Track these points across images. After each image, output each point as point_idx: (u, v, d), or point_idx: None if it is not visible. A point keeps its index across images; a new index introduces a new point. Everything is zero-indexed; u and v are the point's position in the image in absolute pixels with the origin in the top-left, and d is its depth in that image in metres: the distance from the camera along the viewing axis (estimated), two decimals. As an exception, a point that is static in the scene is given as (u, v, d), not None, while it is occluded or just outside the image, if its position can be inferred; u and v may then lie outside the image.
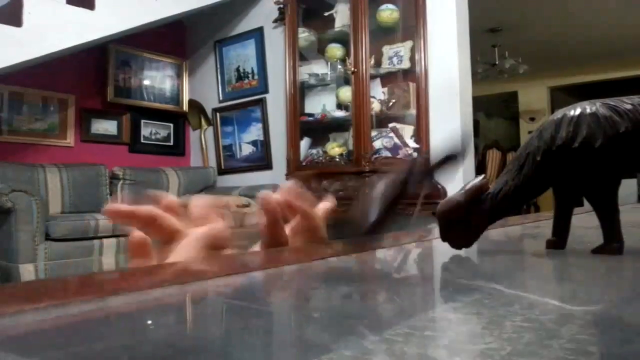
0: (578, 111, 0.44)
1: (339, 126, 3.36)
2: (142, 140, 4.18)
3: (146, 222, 0.38)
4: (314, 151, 3.40)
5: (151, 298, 0.29)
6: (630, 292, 0.33)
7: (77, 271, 2.79)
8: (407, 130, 3.14)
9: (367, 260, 0.48)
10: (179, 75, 4.36)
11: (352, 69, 3.02)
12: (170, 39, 4.29)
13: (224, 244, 0.41)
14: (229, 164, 4.16)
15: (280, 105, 3.60)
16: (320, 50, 3.50)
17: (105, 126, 3.98)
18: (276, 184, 3.56)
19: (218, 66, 4.18)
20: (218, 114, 4.20)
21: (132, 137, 4.11)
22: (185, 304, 0.31)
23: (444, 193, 2.99)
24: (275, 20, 3.71)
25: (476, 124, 4.37)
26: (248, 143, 4.05)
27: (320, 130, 3.44)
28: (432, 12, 3.08)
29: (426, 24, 3.08)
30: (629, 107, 0.42)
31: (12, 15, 2.71)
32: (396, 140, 3.08)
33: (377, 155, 3.01)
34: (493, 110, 8.50)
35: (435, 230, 0.50)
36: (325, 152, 3.30)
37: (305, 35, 3.45)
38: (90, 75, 3.91)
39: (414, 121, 3.12)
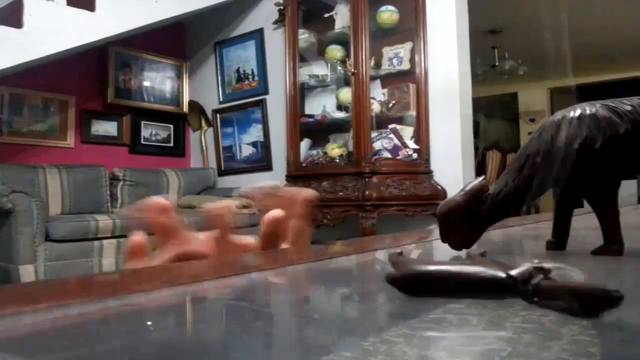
0: (578, 112, 0.44)
1: (339, 127, 3.36)
2: (142, 142, 4.18)
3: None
4: (314, 152, 3.40)
5: (151, 299, 0.29)
6: (630, 293, 0.33)
7: (77, 272, 2.79)
8: (407, 132, 3.14)
9: (367, 261, 0.48)
10: (179, 77, 4.36)
11: (352, 70, 3.03)
12: (170, 40, 4.29)
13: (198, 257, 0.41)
14: (229, 165, 4.16)
15: (280, 107, 3.60)
16: (320, 52, 3.50)
17: (106, 127, 3.99)
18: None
19: (218, 67, 4.18)
20: (218, 115, 4.20)
21: (132, 138, 4.11)
22: (186, 305, 0.31)
23: (444, 194, 3.00)
24: (276, 22, 3.71)
25: (476, 125, 4.37)
26: (248, 144, 4.05)
27: (320, 131, 3.44)
28: (431, 14, 3.09)
29: (426, 25, 3.08)
30: (628, 108, 0.42)
31: (13, 17, 2.72)
32: (396, 141, 3.08)
33: (377, 157, 3.01)
34: (493, 112, 8.49)
35: (435, 231, 0.50)
36: (325, 153, 3.30)
37: (305, 37, 3.46)
38: (90, 77, 3.91)
39: (414, 122, 3.12)
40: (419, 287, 0.27)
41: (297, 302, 0.33)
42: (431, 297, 0.27)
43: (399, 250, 0.30)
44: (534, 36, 5.92)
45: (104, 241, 2.95)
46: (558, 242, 0.48)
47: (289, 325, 0.27)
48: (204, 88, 4.30)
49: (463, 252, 0.46)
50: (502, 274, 0.25)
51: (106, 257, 2.96)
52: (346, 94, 3.21)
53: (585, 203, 0.47)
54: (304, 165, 3.30)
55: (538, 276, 0.24)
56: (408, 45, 3.18)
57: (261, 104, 3.91)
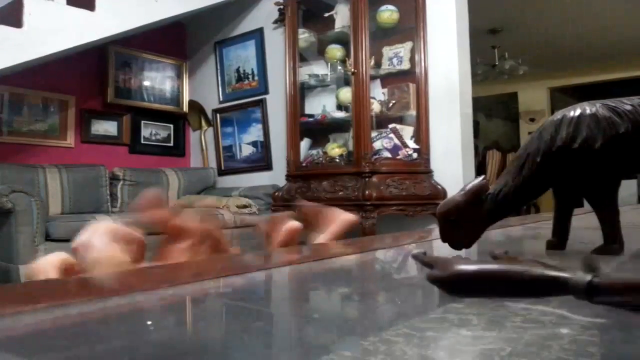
0: (578, 112, 0.43)
1: (339, 127, 3.36)
2: (142, 141, 4.17)
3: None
4: (314, 152, 3.40)
5: (151, 299, 0.29)
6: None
7: (77, 272, 2.78)
8: (407, 131, 3.14)
9: (367, 261, 0.48)
10: (179, 76, 4.36)
11: (352, 69, 3.02)
12: (170, 39, 4.29)
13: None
14: (229, 165, 4.16)
15: (280, 106, 3.60)
16: (320, 51, 3.50)
17: (106, 127, 3.98)
18: (276, 184, 3.56)
19: (218, 67, 4.18)
20: (218, 114, 4.20)
21: (132, 137, 4.10)
22: (186, 304, 0.31)
23: (444, 194, 3.00)
24: (276, 21, 3.71)
25: (476, 124, 4.37)
26: (248, 144, 4.04)
27: (320, 131, 3.43)
28: (431, 13, 3.08)
29: (426, 25, 3.08)
30: (628, 108, 0.42)
31: (13, 17, 2.71)
32: (396, 141, 3.08)
33: (377, 156, 3.01)
34: (493, 111, 8.49)
35: (436, 230, 0.50)
36: (325, 153, 3.30)
37: (305, 36, 3.45)
38: (90, 76, 3.91)
39: (414, 122, 3.12)
40: (467, 288, 0.26)
41: (298, 301, 0.33)
42: (479, 297, 0.26)
43: (422, 250, 0.29)
44: (534, 36, 5.91)
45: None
46: (558, 242, 0.48)
47: (289, 324, 0.27)
48: (204, 88, 4.29)
49: (463, 252, 0.46)
50: (560, 274, 0.24)
51: (106, 256, 2.96)
52: (346, 94, 3.21)
53: (586, 203, 0.47)
54: (304, 165, 3.30)
55: (592, 274, 0.23)
56: (408, 44, 3.17)
57: (261, 104, 3.91)
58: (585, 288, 0.22)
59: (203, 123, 4.30)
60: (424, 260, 0.28)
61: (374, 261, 0.49)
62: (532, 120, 7.76)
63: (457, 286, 0.25)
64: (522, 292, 0.24)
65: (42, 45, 2.79)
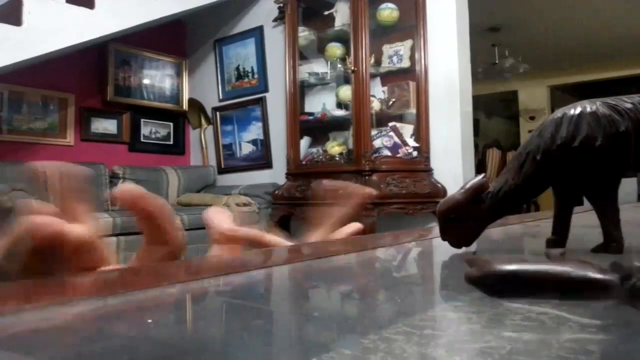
0: (578, 110, 0.43)
1: (338, 125, 3.36)
2: (142, 139, 4.18)
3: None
4: (313, 150, 3.40)
5: (151, 297, 0.29)
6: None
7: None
8: (407, 129, 3.14)
9: (367, 259, 0.48)
10: (179, 74, 4.36)
11: (352, 68, 3.02)
12: (170, 37, 4.29)
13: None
14: (229, 163, 4.16)
15: (280, 104, 3.60)
16: (320, 49, 3.50)
17: (105, 125, 3.98)
18: (276, 182, 3.56)
19: (218, 65, 4.18)
20: (218, 112, 4.20)
21: (132, 136, 4.11)
22: (186, 303, 0.31)
23: (444, 192, 3.00)
24: (275, 19, 3.71)
25: (476, 123, 4.36)
26: (248, 142, 4.05)
27: (320, 129, 3.43)
28: (432, 11, 3.08)
29: (426, 23, 3.08)
30: (629, 106, 0.42)
31: (12, 15, 2.71)
32: (396, 139, 3.08)
33: (377, 154, 3.01)
34: (493, 110, 8.49)
35: (435, 229, 0.51)
36: (325, 151, 3.30)
37: (305, 34, 3.45)
38: (90, 74, 3.91)
39: (414, 120, 3.12)
40: (504, 287, 0.25)
41: (297, 299, 0.33)
42: (518, 297, 0.25)
43: (473, 250, 0.29)
44: (535, 34, 5.91)
45: (104, 239, 2.95)
46: (558, 240, 0.48)
47: (289, 323, 0.27)
48: (204, 86, 4.29)
49: (462, 250, 0.46)
50: (606, 275, 0.23)
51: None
52: (346, 92, 3.21)
53: (586, 201, 0.47)
54: (303, 163, 3.31)
55: (637, 276, 0.23)
56: (408, 42, 3.17)
57: (261, 102, 3.90)
58: (630, 291, 0.22)
59: (203, 121, 4.30)
60: (469, 260, 0.27)
61: (373, 259, 0.49)
62: (532, 118, 7.76)
63: (493, 286, 0.25)
64: (562, 293, 0.24)
65: (42, 43, 2.79)
